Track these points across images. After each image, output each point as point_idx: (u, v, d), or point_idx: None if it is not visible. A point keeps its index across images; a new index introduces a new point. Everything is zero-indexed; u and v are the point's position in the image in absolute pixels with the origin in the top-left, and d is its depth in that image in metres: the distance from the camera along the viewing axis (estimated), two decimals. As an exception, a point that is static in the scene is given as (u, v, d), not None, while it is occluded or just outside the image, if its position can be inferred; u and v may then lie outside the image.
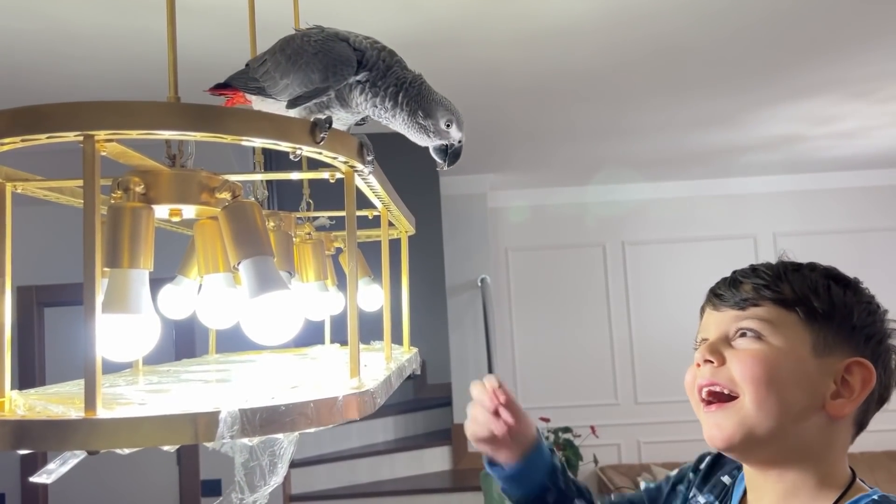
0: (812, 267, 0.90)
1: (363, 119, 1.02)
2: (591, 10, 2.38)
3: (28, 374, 3.72)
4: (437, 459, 4.76)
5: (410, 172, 4.87)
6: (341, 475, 4.47)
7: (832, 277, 0.89)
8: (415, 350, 1.44)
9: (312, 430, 0.71)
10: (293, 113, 0.94)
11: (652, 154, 4.62)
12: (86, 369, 0.65)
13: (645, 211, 5.59)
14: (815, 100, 3.58)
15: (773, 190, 5.54)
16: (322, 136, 0.75)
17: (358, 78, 0.91)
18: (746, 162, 4.98)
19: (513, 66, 2.87)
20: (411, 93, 0.93)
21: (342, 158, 0.79)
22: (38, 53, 2.46)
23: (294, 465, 4.36)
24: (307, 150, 0.76)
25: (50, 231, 3.62)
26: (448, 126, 0.95)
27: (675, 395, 5.44)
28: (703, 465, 1.04)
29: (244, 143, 0.74)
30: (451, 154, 0.98)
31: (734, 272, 0.94)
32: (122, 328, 0.73)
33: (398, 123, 0.94)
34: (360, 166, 0.81)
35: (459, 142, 0.98)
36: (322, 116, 0.79)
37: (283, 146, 0.73)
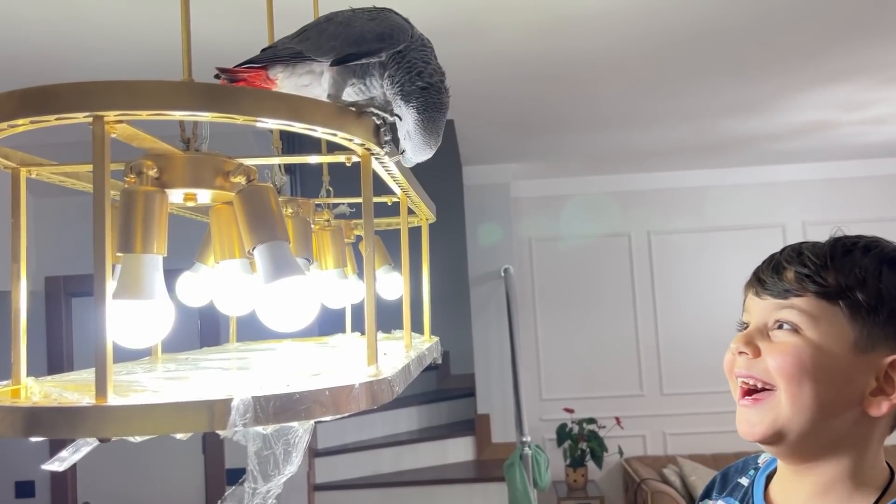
0: (867, 248, 0.83)
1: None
2: (615, -7, 2.33)
3: (56, 364, 3.76)
4: (460, 450, 4.76)
5: (432, 162, 4.85)
6: (365, 465, 4.47)
7: (888, 261, 0.82)
8: (436, 339, 1.42)
9: (328, 418, 0.69)
10: (334, 72, 0.89)
11: (678, 142, 4.56)
12: (96, 356, 0.64)
13: (671, 200, 5.51)
14: (846, 85, 3.49)
15: (802, 178, 5.44)
16: (387, 139, 0.74)
17: (399, 49, 0.89)
18: (775, 149, 4.88)
19: (537, 53, 2.83)
20: (409, 87, 0.89)
21: (358, 140, 0.77)
22: (61, 43, 2.47)
23: (318, 454, 4.38)
24: (322, 132, 0.74)
25: (77, 222, 3.65)
26: (406, 139, 0.90)
27: (702, 386, 5.39)
28: (717, 480, 1.01)
29: (258, 124, 0.72)
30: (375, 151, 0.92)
31: (780, 253, 0.88)
32: (135, 314, 0.72)
33: (388, 91, 0.91)
34: (376, 149, 0.79)
35: (387, 154, 0.89)
36: (379, 115, 0.78)
37: (297, 127, 0.71)
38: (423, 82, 0.89)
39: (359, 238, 1.51)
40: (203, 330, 3.60)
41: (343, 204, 1.41)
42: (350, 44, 0.89)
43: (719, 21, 2.62)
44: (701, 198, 5.50)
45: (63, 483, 3.74)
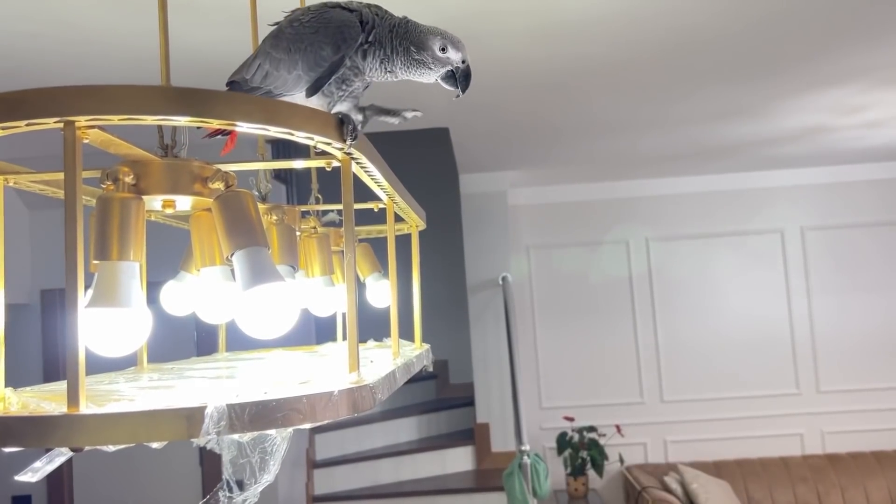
0: None
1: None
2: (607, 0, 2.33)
3: (52, 377, 3.75)
4: (459, 459, 4.73)
5: (430, 171, 4.86)
6: (364, 475, 4.45)
7: None
8: (426, 346, 1.41)
9: (307, 426, 0.68)
10: (314, 101, 0.91)
11: (674, 148, 4.55)
12: (68, 364, 0.63)
13: (668, 206, 5.51)
14: (841, 88, 3.49)
15: (799, 183, 5.43)
16: (353, 131, 0.75)
17: (369, 38, 0.90)
18: (772, 154, 4.88)
19: (530, 60, 2.83)
20: (400, 33, 0.91)
21: (337, 144, 0.76)
22: (48, 54, 2.47)
23: (317, 465, 4.35)
24: (299, 136, 0.73)
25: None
26: (444, 51, 0.92)
27: (702, 392, 5.38)
28: None
29: (235, 129, 0.72)
30: (461, 77, 0.95)
31: None
32: (111, 322, 0.71)
33: (399, 69, 0.92)
34: (337, 143, 0.77)
35: (463, 62, 0.95)
36: (343, 109, 0.77)
37: (273, 131, 0.70)
38: (403, 28, 0.92)
39: (349, 246, 1.49)
40: (199, 339, 3.59)
41: (332, 212, 1.40)
42: (311, 68, 0.88)
43: (714, 27, 2.62)
44: (699, 204, 5.49)
45: (59, 497, 3.72)
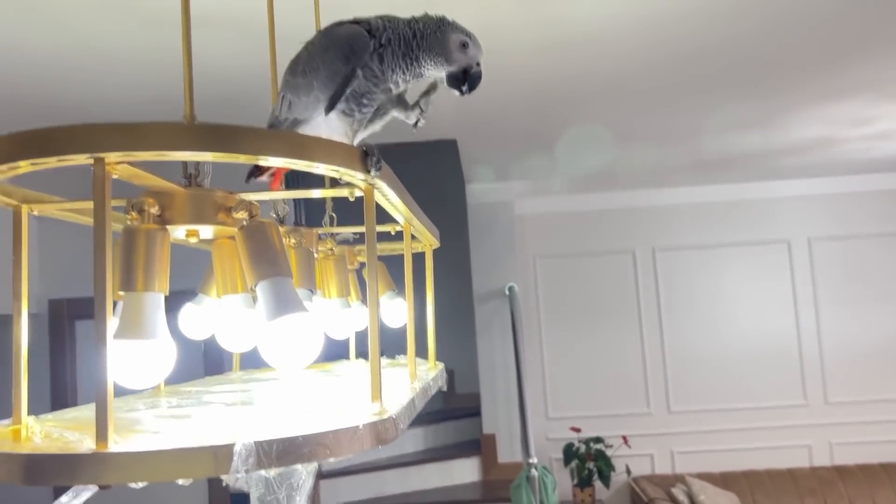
0: None
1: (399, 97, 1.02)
2: (615, 14, 2.34)
3: (60, 387, 3.75)
4: (466, 470, 4.72)
5: (437, 182, 4.86)
6: (370, 486, 4.44)
7: None
8: (441, 366, 1.41)
9: (332, 459, 0.68)
10: (335, 123, 0.92)
11: (682, 158, 4.55)
12: (97, 399, 0.63)
13: (675, 216, 5.50)
14: (849, 101, 3.49)
15: (807, 193, 5.42)
16: (377, 162, 0.75)
17: (381, 42, 0.91)
18: (780, 165, 4.88)
19: (538, 73, 2.84)
20: (420, 25, 0.93)
21: (360, 175, 0.76)
22: (67, 71, 2.48)
23: (323, 476, 4.35)
24: (325, 169, 0.73)
25: (81, 244, 3.65)
26: (464, 46, 0.94)
27: (709, 403, 5.34)
28: None
29: (261, 163, 0.72)
30: (474, 77, 0.97)
31: None
32: (136, 354, 0.71)
33: (423, 56, 0.94)
34: (379, 182, 0.78)
35: (478, 64, 0.97)
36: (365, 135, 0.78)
37: (300, 165, 0.70)
38: (423, 21, 0.94)
39: (363, 265, 1.50)
40: (207, 354, 3.59)
41: (346, 231, 1.40)
42: (326, 85, 0.89)
43: (720, 39, 2.62)
44: (706, 214, 5.49)
45: (67, 508, 3.71)
